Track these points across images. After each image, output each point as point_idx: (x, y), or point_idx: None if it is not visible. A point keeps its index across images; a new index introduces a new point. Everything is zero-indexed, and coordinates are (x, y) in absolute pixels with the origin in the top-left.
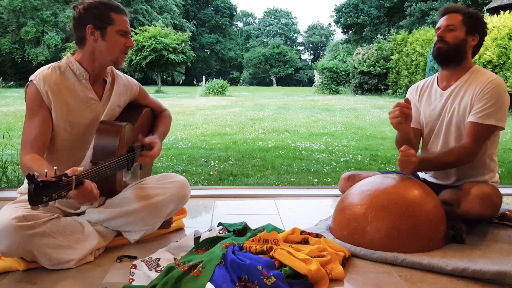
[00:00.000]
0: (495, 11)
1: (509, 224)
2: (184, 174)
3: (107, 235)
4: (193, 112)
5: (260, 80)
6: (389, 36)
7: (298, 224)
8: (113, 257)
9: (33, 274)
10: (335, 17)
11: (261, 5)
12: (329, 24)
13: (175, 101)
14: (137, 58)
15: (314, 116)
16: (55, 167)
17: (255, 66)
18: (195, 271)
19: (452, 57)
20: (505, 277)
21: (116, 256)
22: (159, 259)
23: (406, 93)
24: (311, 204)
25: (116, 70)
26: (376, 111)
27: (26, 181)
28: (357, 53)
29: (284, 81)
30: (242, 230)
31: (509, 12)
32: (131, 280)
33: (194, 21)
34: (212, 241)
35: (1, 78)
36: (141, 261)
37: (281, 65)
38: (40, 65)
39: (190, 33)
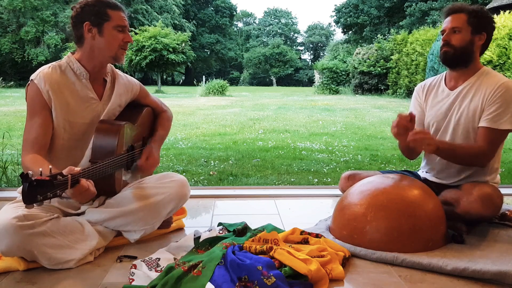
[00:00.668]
0: (495, 11)
1: (509, 224)
2: (184, 174)
3: (107, 235)
4: (193, 112)
5: (260, 80)
6: (389, 36)
7: (298, 224)
8: (113, 257)
9: (33, 274)
10: (335, 17)
11: (261, 5)
12: (329, 24)
13: (175, 101)
14: (137, 58)
15: (314, 116)
16: (50, 166)
17: (255, 66)
18: (195, 271)
19: (460, 60)
20: (505, 277)
21: (116, 256)
22: (159, 259)
23: (406, 93)
24: (311, 204)
25: (117, 70)
26: (376, 111)
27: None
28: (357, 53)
29: (284, 81)
30: (242, 230)
31: (509, 12)
32: (131, 280)
33: (194, 21)
34: (212, 241)
35: (1, 78)
36: (141, 261)
37: (281, 65)
38: (40, 65)
39: (190, 33)
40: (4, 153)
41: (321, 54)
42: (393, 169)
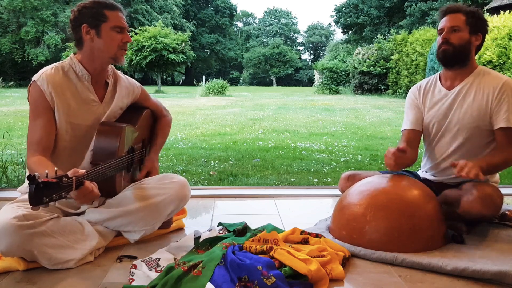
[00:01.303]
0: (495, 11)
1: (509, 224)
2: (184, 174)
3: (107, 235)
4: (193, 112)
5: (260, 80)
6: (389, 36)
7: (298, 224)
8: (113, 257)
9: (33, 274)
10: (335, 17)
11: (261, 5)
12: (329, 24)
13: (175, 101)
14: (137, 58)
15: (314, 116)
16: (56, 168)
17: (255, 66)
18: (195, 271)
19: (458, 59)
20: (505, 277)
21: (116, 256)
22: (159, 259)
23: (406, 93)
24: (311, 204)
25: (118, 72)
26: (376, 111)
27: (26, 180)
28: (357, 53)
29: (284, 81)
30: (242, 230)
31: (509, 12)
32: (131, 280)
33: (194, 21)
34: (212, 241)
35: (1, 78)
36: (141, 261)
37: (281, 65)
38: (40, 65)
39: (190, 33)
40: (4, 153)
41: (321, 54)
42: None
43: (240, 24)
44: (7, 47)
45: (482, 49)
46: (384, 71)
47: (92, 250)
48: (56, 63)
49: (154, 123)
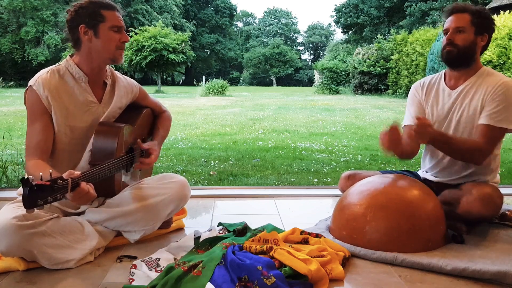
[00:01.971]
0: (495, 11)
1: (509, 224)
2: (184, 174)
3: (107, 235)
4: (193, 112)
5: (260, 80)
6: (389, 36)
7: (298, 224)
8: (113, 257)
9: (33, 274)
10: (335, 17)
11: (261, 5)
12: (329, 24)
13: (175, 101)
14: (137, 58)
15: (314, 116)
16: (50, 170)
17: (255, 66)
18: (195, 271)
19: (463, 60)
20: (505, 277)
21: (116, 256)
22: (159, 259)
23: (406, 93)
24: (311, 204)
25: (116, 72)
26: (376, 111)
27: None
28: (357, 53)
29: (284, 81)
30: (242, 230)
31: (509, 12)
32: (131, 280)
33: (194, 21)
34: (212, 241)
35: (1, 78)
36: (141, 261)
37: (281, 65)
38: (40, 65)
39: (190, 33)
40: (4, 153)
41: (321, 54)
42: (393, 169)
43: (240, 24)
44: (7, 47)
45: None
46: (384, 71)
47: (92, 250)
48: (52, 66)
49: (154, 122)
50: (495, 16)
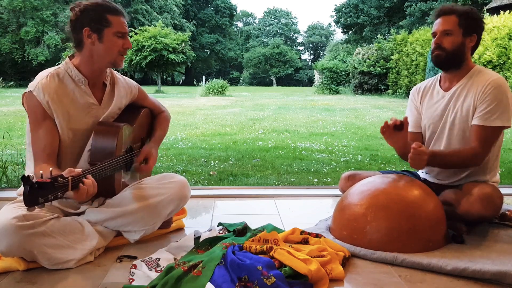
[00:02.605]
0: (495, 11)
1: (509, 224)
2: (184, 174)
3: (107, 235)
4: (193, 112)
5: (260, 80)
6: (389, 36)
7: (298, 224)
8: (113, 257)
9: (33, 274)
10: (335, 17)
11: (261, 5)
12: (329, 24)
13: (175, 101)
14: (137, 58)
15: (314, 116)
16: (50, 168)
17: (255, 66)
18: (195, 271)
19: (452, 63)
20: (505, 277)
21: (116, 256)
22: (159, 259)
23: (406, 93)
24: (311, 204)
25: (115, 73)
26: (376, 111)
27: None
28: (357, 53)
29: (284, 81)
30: (242, 230)
31: (509, 12)
32: (131, 280)
33: (194, 21)
34: (212, 241)
35: (1, 78)
36: (141, 261)
37: (281, 65)
38: (40, 65)
39: (190, 33)
40: (4, 153)
41: (321, 54)
42: (393, 169)
43: (240, 24)
44: (7, 47)
45: (482, 49)
46: (384, 71)
47: (92, 250)
48: (51, 69)
49: (153, 121)
50: (495, 16)
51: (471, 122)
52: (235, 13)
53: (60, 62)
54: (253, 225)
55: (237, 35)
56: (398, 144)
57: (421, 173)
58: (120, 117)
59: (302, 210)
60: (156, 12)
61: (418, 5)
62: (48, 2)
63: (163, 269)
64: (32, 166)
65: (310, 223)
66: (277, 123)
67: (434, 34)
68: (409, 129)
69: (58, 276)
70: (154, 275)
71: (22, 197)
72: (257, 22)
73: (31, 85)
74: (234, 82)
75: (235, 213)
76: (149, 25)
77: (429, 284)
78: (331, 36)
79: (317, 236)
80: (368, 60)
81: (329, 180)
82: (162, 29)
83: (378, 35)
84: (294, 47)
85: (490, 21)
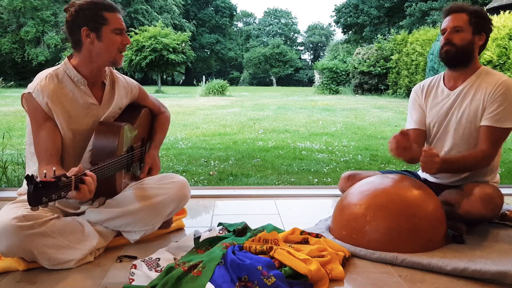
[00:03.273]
0: (495, 11)
1: (509, 224)
2: (184, 174)
3: (107, 235)
4: (193, 112)
5: (260, 80)
6: (389, 36)
7: (298, 224)
8: (113, 257)
9: (33, 274)
10: (335, 17)
11: (261, 5)
12: (329, 24)
13: (175, 101)
14: (137, 58)
15: (314, 116)
16: (53, 168)
17: (255, 66)
18: (195, 271)
19: (461, 59)
20: (505, 277)
21: (116, 256)
22: (159, 259)
23: (406, 93)
24: (311, 204)
25: (115, 72)
26: (376, 111)
27: (25, 182)
28: (357, 53)
29: (284, 81)
30: (242, 230)
31: (509, 12)
32: (131, 280)
33: (194, 21)
34: (212, 241)
35: (1, 78)
36: (141, 261)
37: (281, 65)
38: (40, 65)
39: (190, 33)
40: (4, 153)
41: (321, 54)
42: (393, 169)
43: (240, 24)
44: (7, 47)
45: None
46: (384, 71)
47: (92, 250)
48: (50, 70)
49: (153, 121)
50: (495, 16)
51: (480, 122)
52: (235, 13)
53: (60, 62)
54: (253, 225)
55: (237, 35)
56: (406, 157)
57: (421, 173)
58: (120, 116)
59: (302, 210)
60: (156, 12)
61: (418, 5)
62: (48, 2)
63: (163, 269)
64: (33, 166)
65: (310, 223)
66: (277, 123)
67: (443, 31)
68: (414, 126)
69: (58, 276)
70: (154, 275)
71: (22, 197)
72: (257, 22)
73: (30, 87)
74: (234, 82)
75: (235, 213)
76: (149, 25)
77: (429, 284)
78: (331, 36)
79: (317, 236)
80: (368, 60)
81: (329, 180)
82: (162, 29)
83: (378, 35)
84: (294, 47)
85: None
